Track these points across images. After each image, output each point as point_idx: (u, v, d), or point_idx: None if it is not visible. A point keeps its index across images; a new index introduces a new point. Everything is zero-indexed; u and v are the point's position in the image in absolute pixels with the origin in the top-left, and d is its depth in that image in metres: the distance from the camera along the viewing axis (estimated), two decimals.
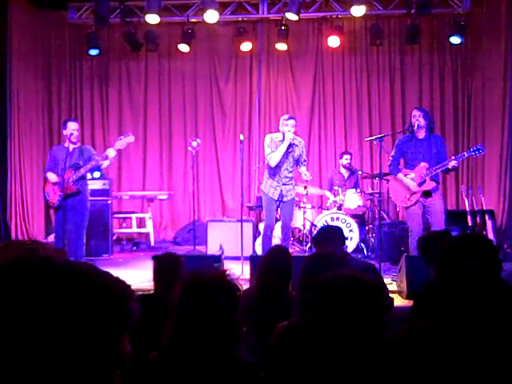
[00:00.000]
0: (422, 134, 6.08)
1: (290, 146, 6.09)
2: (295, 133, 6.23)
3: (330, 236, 3.85)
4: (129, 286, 0.98)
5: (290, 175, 6.24)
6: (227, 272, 1.91)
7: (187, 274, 1.92)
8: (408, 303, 4.81)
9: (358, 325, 1.69)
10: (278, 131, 6.25)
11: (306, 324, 1.86)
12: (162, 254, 3.43)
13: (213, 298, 1.77)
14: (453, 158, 5.94)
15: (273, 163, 6.11)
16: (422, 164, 5.99)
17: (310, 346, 1.73)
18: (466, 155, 6.16)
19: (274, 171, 6.16)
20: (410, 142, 6.07)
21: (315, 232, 3.96)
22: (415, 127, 6.01)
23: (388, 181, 6.63)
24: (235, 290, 1.85)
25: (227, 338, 1.77)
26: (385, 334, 1.77)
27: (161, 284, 3.20)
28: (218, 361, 1.74)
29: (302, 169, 6.23)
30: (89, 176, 6.52)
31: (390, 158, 6.18)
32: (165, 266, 3.25)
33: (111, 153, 6.03)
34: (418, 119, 6.01)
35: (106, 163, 6.17)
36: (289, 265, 3.20)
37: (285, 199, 6.19)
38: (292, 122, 6.09)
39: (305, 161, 6.31)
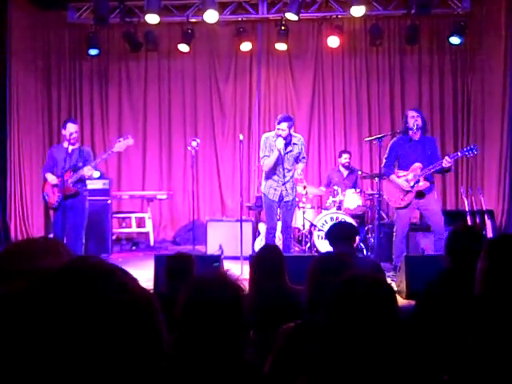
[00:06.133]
0: (417, 136, 6.07)
1: (288, 144, 6.05)
2: (294, 130, 6.21)
3: (344, 232, 3.86)
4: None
5: (290, 174, 6.16)
6: (228, 272, 1.87)
7: (192, 280, 1.87)
8: (407, 303, 4.81)
9: (377, 325, 1.68)
10: None
11: (323, 324, 1.82)
12: (175, 254, 3.47)
13: (216, 301, 1.73)
14: (447, 157, 5.94)
15: (266, 168, 6.11)
16: (416, 164, 5.98)
17: (328, 346, 1.70)
18: (459, 155, 6.16)
19: (273, 172, 6.12)
20: (406, 144, 6.07)
21: (328, 228, 3.99)
22: (414, 128, 6.01)
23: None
24: (239, 290, 1.81)
25: (234, 342, 1.74)
26: (398, 335, 1.76)
27: (172, 284, 3.22)
28: (227, 365, 1.71)
29: (299, 165, 6.20)
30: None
31: (384, 160, 6.16)
32: (177, 265, 3.27)
33: (88, 171, 5.97)
34: (416, 120, 6.02)
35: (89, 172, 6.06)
36: (279, 260, 3.19)
37: (286, 199, 6.15)
38: (283, 125, 5.92)
39: (303, 158, 6.25)
